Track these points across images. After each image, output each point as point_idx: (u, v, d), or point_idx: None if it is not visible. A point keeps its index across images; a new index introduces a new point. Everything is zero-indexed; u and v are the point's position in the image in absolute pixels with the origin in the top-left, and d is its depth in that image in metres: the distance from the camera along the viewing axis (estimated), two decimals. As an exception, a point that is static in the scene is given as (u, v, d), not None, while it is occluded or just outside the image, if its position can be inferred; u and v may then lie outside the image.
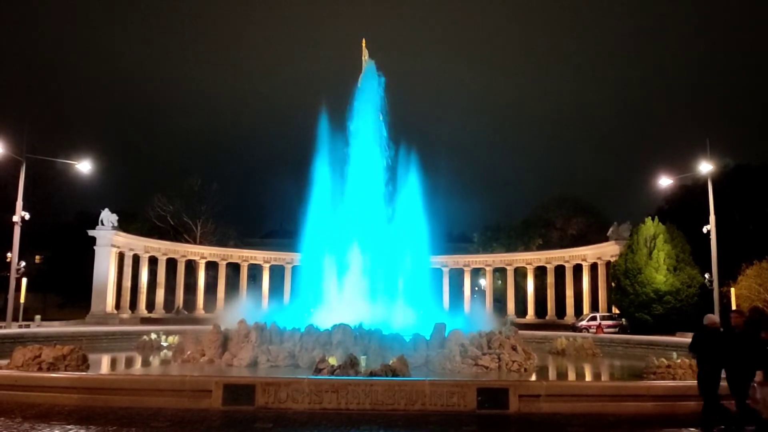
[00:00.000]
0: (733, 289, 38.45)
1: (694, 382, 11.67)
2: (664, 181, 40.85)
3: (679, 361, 17.68)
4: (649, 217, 45.14)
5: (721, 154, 47.23)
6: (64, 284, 59.91)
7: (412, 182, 31.52)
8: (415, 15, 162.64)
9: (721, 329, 12.00)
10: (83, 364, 18.02)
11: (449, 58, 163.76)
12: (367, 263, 30.33)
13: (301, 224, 31.89)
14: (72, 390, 13.42)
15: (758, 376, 10.82)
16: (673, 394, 13.07)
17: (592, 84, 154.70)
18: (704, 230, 35.81)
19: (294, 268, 60.84)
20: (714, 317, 12.06)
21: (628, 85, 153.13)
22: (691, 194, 51.33)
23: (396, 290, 30.05)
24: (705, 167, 35.65)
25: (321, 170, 31.51)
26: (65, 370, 16.74)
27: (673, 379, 16.43)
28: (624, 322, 44.76)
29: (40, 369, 16.70)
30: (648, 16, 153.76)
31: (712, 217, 34.81)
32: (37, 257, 63.60)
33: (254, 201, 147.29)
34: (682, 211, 49.92)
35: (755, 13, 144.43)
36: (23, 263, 37.59)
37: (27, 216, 34.84)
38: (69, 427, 11.03)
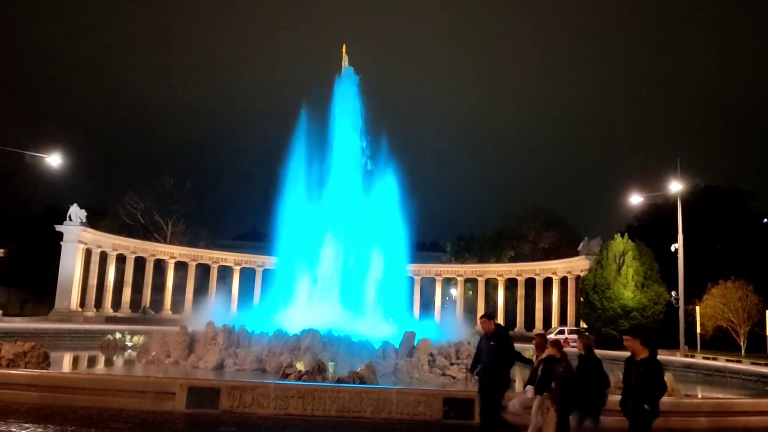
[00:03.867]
0: (698, 308, 39.12)
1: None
2: (635, 199, 41.48)
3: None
4: (619, 234, 45.74)
5: (692, 174, 48.18)
6: (29, 279, 58.44)
7: (388, 189, 31.51)
8: (392, 18, 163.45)
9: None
10: (44, 361, 17.63)
11: (426, 66, 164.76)
12: (340, 269, 30.25)
13: (274, 227, 31.67)
14: (32, 388, 13.12)
15: (530, 391, 10.55)
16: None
17: (568, 99, 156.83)
18: (672, 248, 36.36)
19: (265, 271, 60.35)
20: (485, 320, 10.99)
21: (603, 103, 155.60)
22: (660, 213, 52.19)
23: (367, 297, 29.97)
24: (675, 186, 36.22)
25: (296, 173, 31.37)
26: (25, 368, 16.37)
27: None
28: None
29: (-2, 365, 16.31)
30: (623, 38, 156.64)
31: (680, 236, 35.39)
32: (1, 251, 62.10)
33: (227, 203, 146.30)
34: (651, 229, 50.73)
35: (727, 39, 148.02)
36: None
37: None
38: (27, 425, 10.77)
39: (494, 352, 10.43)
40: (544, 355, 10.50)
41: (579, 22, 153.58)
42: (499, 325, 11.08)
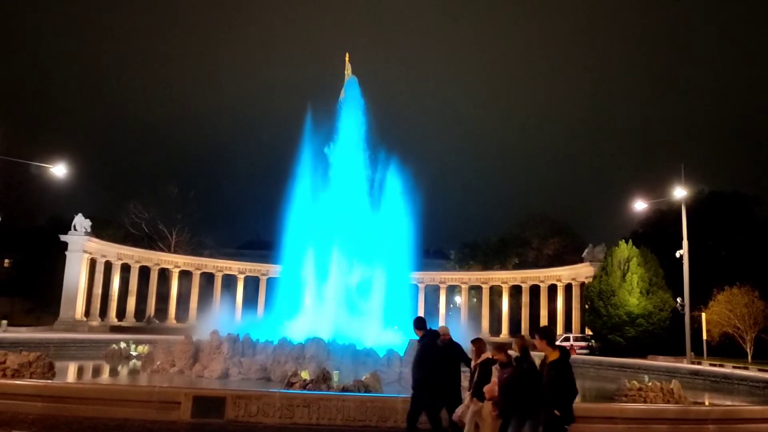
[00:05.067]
0: (704, 314, 38.95)
1: (667, 406, 11.40)
2: (639, 205, 41.41)
3: (651, 384, 17.80)
4: (624, 240, 45.63)
5: (696, 180, 48.02)
6: (34, 289, 58.64)
7: (393, 197, 31.51)
8: (395, 28, 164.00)
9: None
10: (49, 371, 17.60)
11: (429, 72, 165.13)
12: (345, 277, 30.22)
13: (278, 236, 31.71)
14: (37, 398, 13.08)
15: (466, 395, 10.37)
16: (645, 417, 13.10)
17: (572, 106, 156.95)
18: (677, 255, 36.22)
19: (269, 280, 60.34)
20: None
21: (607, 109, 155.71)
22: (665, 219, 52.09)
23: (372, 305, 29.91)
24: (679, 193, 36.14)
25: (301, 181, 31.42)
26: (30, 378, 16.34)
27: (645, 402, 16.51)
28: (593, 344, 44.98)
29: (4, 376, 16.28)
30: (626, 44, 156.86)
31: (685, 242, 35.25)
32: (7, 261, 62.32)
33: (231, 211, 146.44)
34: (656, 235, 50.60)
35: (732, 44, 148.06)
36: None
37: (-2, 218, 34.20)
38: (31, 436, 10.75)
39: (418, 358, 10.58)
40: (481, 359, 10.20)
41: (583, 29, 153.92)
42: (429, 330, 10.96)
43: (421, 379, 10.51)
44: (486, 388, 9.60)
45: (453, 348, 10.92)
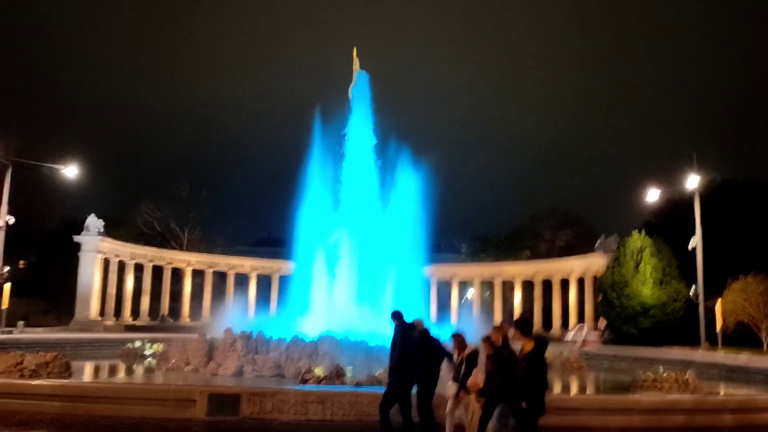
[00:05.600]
0: (718, 304, 38.65)
1: (682, 396, 11.41)
2: (652, 195, 41.12)
3: (665, 374, 17.70)
4: (636, 230, 45.30)
5: (709, 168, 47.51)
6: (49, 290, 59.13)
7: (405, 191, 31.47)
8: (409, 22, 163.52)
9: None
10: (66, 371, 17.73)
11: (440, 63, 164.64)
12: (357, 272, 30.25)
13: (290, 233, 31.79)
14: (54, 398, 13.24)
15: (451, 388, 10.44)
16: (661, 408, 13.08)
17: (582, 96, 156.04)
18: (690, 245, 35.94)
19: (281, 277, 60.40)
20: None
21: (617, 99, 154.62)
22: (678, 208, 51.57)
23: (385, 300, 29.92)
24: (692, 181, 35.87)
25: (312, 177, 31.47)
26: (48, 378, 16.48)
27: (660, 392, 16.43)
28: (605, 335, 44.73)
29: (21, 376, 16.41)
30: (634, 33, 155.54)
31: (698, 231, 34.99)
32: (21, 262, 62.84)
33: (243, 209, 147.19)
34: (669, 225, 50.19)
35: (744, 30, 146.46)
36: (7, 268, 37.15)
37: (12, 220, 34.48)
38: (50, 436, 10.86)
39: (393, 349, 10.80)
40: (466, 353, 10.36)
41: (601, 14, 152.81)
42: (402, 321, 11.15)
43: (392, 368, 10.72)
44: (469, 383, 9.86)
45: (428, 340, 11.02)
